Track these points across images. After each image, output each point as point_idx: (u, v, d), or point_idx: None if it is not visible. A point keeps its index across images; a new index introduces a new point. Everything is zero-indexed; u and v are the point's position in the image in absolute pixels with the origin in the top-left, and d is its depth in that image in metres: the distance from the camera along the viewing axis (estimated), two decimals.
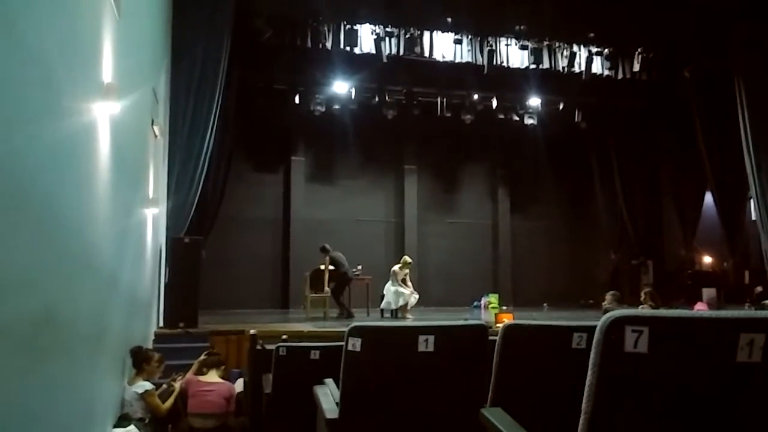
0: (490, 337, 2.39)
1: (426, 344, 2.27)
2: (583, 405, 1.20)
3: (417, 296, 11.11)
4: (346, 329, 2.35)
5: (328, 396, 2.58)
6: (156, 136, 7.78)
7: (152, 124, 7.39)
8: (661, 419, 1.20)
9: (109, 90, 4.30)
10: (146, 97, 6.91)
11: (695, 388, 1.21)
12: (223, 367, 6.40)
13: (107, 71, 4.40)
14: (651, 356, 1.16)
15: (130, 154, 5.84)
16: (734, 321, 1.19)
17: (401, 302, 10.65)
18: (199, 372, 6.18)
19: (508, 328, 2.22)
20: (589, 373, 1.20)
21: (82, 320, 3.93)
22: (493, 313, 12.02)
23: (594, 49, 12.25)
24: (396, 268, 11.01)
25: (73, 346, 3.72)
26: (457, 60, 11.87)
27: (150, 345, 7.34)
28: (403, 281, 10.98)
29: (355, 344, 2.28)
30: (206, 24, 9.63)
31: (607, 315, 1.19)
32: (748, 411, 1.23)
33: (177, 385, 5.95)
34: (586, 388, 1.19)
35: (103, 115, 4.29)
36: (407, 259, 11.37)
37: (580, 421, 1.20)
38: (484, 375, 2.29)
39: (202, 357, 6.36)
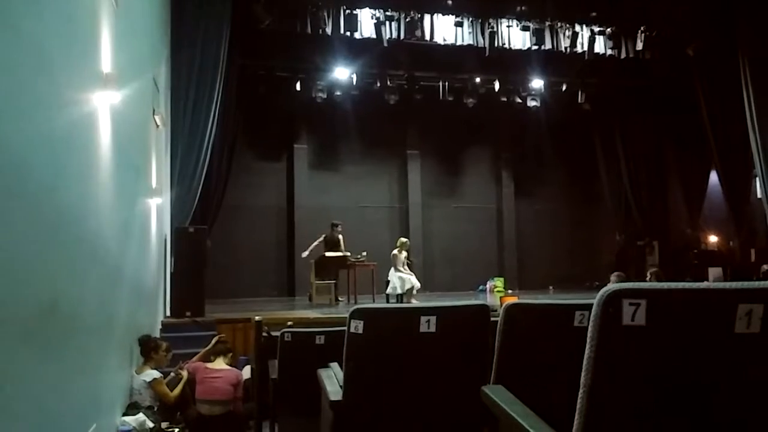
0: (493, 318, 2.39)
1: (428, 325, 2.28)
2: (582, 378, 1.20)
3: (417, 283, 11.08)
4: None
5: (332, 378, 2.59)
6: (158, 126, 7.78)
7: (153, 113, 7.39)
8: (659, 391, 1.20)
9: (109, 80, 4.30)
10: (147, 87, 6.91)
11: (694, 360, 1.20)
12: (231, 354, 6.45)
13: (106, 61, 4.40)
14: (649, 328, 1.16)
15: (131, 143, 5.84)
16: (732, 292, 1.18)
17: (407, 286, 10.65)
18: (207, 359, 6.23)
19: (510, 308, 2.22)
20: (588, 346, 1.19)
21: (88, 310, 3.95)
22: (498, 297, 12.04)
23: (596, 29, 12.13)
24: (395, 251, 10.96)
25: (80, 336, 3.75)
26: (459, 43, 11.79)
27: (157, 334, 7.40)
28: (406, 265, 10.94)
29: (357, 326, 2.28)
30: (205, 12, 9.60)
31: (605, 288, 1.19)
32: (747, 382, 1.23)
33: (185, 373, 6.01)
34: (585, 362, 1.19)
35: (103, 105, 4.29)
36: (402, 239, 11.31)
37: (579, 395, 1.20)
38: (486, 354, 2.30)
39: (213, 342, 6.42)
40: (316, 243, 11.64)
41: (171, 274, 8.96)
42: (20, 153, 2.64)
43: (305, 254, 11.64)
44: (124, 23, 5.13)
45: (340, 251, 11.51)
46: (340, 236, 11.74)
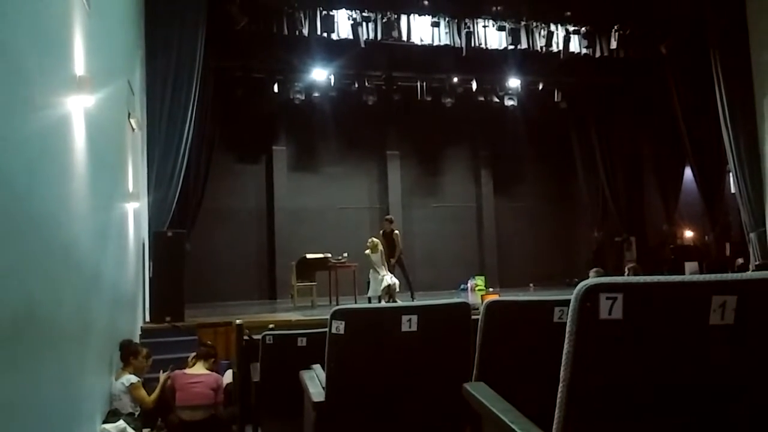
0: (475, 316, 2.41)
1: (409, 324, 2.28)
2: (561, 373, 1.21)
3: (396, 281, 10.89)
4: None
5: (314, 380, 2.58)
6: (133, 130, 7.70)
7: (129, 117, 7.31)
8: (636, 384, 1.22)
9: (83, 83, 4.25)
10: (121, 90, 6.83)
11: (670, 352, 1.22)
12: (213, 360, 6.40)
13: (80, 64, 4.34)
14: (625, 322, 1.17)
15: (107, 147, 5.77)
16: (706, 284, 1.20)
17: (384, 284, 10.50)
18: (188, 364, 6.18)
19: (490, 305, 2.23)
20: (566, 341, 1.21)
21: (65, 316, 3.90)
22: (479, 295, 12.10)
23: (571, 28, 12.24)
24: (367, 251, 10.80)
25: (57, 343, 3.70)
26: (435, 43, 11.82)
27: (137, 340, 7.31)
28: (384, 266, 10.77)
29: (338, 327, 2.28)
30: (180, 14, 9.50)
31: (582, 283, 1.20)
32: (721, 373, 1.25)
33: (161, 376, 5.95)
34: (564, 357, 1.21)
35: (77, 108, 4.24)
36: (373, 240, 10.94)
37: (559, 389, 1.22)
38: (468, 352, 2.31)
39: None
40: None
41: (150, 278, 8.86)
42: None
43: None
44: (97, 25, 5.06)
45: (396, 249, 11.28)
46: (395, 230, 11.42)
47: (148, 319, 8.72)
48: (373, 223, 15.50)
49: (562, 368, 1.21)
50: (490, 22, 11.94)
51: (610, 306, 1.17)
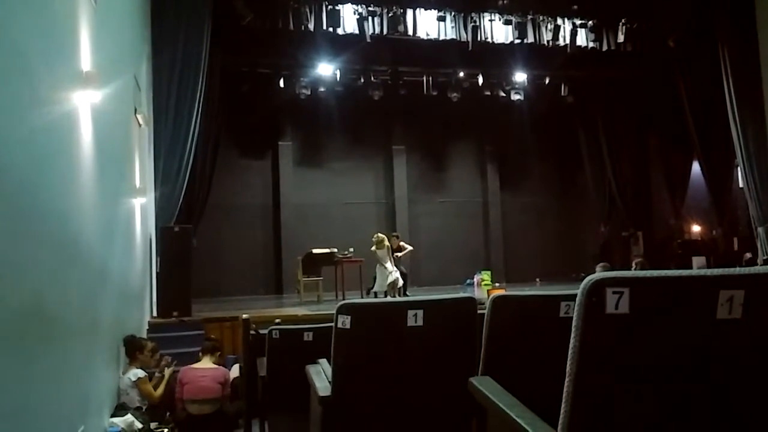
0: (481, 311, 2.40)
1: (415, 319, 2.28)
2: (567, 367, 1.21)
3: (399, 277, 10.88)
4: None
5: (320, 374, 2.59)
6: (140, 125, 7.72)
7: (135, 112, 7.33)
8: (643, 378, 1.21)
9: (89, 78, 4.26)
10: (128, 86, 6.84)
11: (676, 347, 1.22)
12: (219, 353, 6.42)
13: (86, 59, 4.35)
14: (632, 316, 1.17)
15: (113, 143, 5.79)
16: (713, 278, 1.19)
17: (389, 280, 10.51)
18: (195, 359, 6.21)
19: (496, 300, 2.23)
20: (572, 336, 1.20)
21: (73, 311, 3.92)
22: (485, 290, 12.07)
23: (578, 22, 12.19)
24: (373, 248, 10.80)
25: (66, 338, 3.72)
26: (442, 37, 11.79)
27: (144, 335, 7.35)
28: (390, 261, 10.76)
29: (344, 322, 2.28)
30: (186, 9, 9.51)
31: (588, 278, 1.19)
32: (729, 368, 1.25)
33: (166, 371, 5.98)
34: (570, 351, 1.20)
35: (84, 104, 4.25)
36: (378, 235, 10.92)
37: (565, 384, 1.21)
38: (474, 347, 2.31)
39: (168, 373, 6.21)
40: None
41: (157, 273, 8.89)
42: None
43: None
44: (103, 21, 5.07)
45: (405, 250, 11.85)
46: (401, 243, 11.92)
47: (155, 313, 8.76)
48: (379, 218, 15.52)
49: (568, 363, 1.21)
50: (497, 15, 11.90)
51: (617, 300, 1.17)
